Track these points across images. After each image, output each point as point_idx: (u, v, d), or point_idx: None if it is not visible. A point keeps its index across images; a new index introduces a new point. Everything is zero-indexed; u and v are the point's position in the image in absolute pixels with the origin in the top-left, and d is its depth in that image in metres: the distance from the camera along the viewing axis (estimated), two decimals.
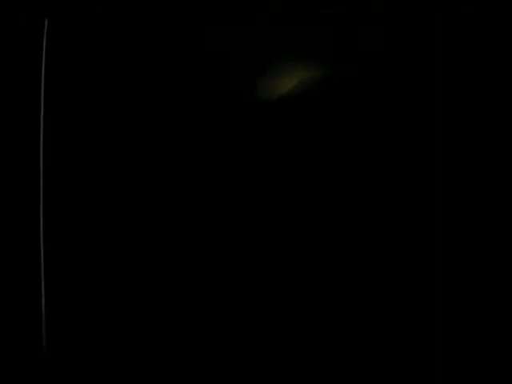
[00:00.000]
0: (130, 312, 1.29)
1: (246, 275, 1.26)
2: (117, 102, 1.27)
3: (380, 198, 1.24)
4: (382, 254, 1.24)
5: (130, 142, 1.27)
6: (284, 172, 1.26)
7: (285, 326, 1.26)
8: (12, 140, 1.26)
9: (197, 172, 1.26)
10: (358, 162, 1.24)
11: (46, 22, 1.25)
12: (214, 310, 1.28)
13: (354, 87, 1.25)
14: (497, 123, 1.23)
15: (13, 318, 1.28)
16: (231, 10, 1.26)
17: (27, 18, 1.25)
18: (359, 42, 1.26)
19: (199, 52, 1.26)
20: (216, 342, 1.27)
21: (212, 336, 1.28)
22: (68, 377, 1.30)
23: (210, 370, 1.27)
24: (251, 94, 1.26)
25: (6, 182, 1.26)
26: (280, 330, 1.27)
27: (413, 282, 1.24)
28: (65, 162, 1.27)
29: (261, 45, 1.26)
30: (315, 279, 1.25)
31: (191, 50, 1.26)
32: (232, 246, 1.26)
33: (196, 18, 1.26)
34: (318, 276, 1.25)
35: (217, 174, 1.26)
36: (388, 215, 1.24)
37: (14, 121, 1.26)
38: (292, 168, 1.25)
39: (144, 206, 1.27)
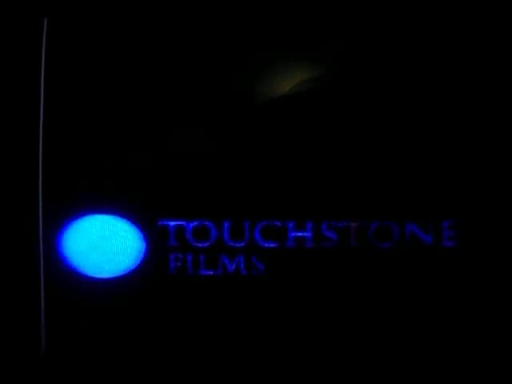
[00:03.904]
0: (128, 311, 1.29)
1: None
2: (116, 102, 1.27)
3: (381, 199, 1.25)
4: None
5: (130, 142, 1.27)
6: (284, 172, 1.26)
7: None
8: (12, 140, 1.26)
9: (197, 172, 1.26)
10: (359, 161, 1.25)
11: (46, 22, 1.25)
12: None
13: (354, 87, 1.25)
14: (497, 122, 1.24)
15: (11, 316, 1.28)
16: (231, 10, 1.26)
17: (26, 17, 1.25)
18: (359, 42, 1.26)
19: (199, 52, 1.27)
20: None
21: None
22: (67, 376, 1.30)
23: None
24: (251, 94, 1.26)
25: (6, 184, 1.26)
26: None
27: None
28: (64, 161, 1.27)
29: (261, 45, 1.27)
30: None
31: (191, 50, 1.27)
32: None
33: (196, 18, 1.27)
34: None
35: (217, 174, 1.26)
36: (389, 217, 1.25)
37: (13, 121, 1.26)
38: (292, 168, 1.26)
39: (144, 209, 1.27)
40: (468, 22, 1.24)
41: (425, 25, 1.24)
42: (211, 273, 1.27)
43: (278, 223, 1.25)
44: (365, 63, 1.26)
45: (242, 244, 1.26)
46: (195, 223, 1.26)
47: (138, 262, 1.27)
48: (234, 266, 1.26)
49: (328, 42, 1.27)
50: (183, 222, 1.26)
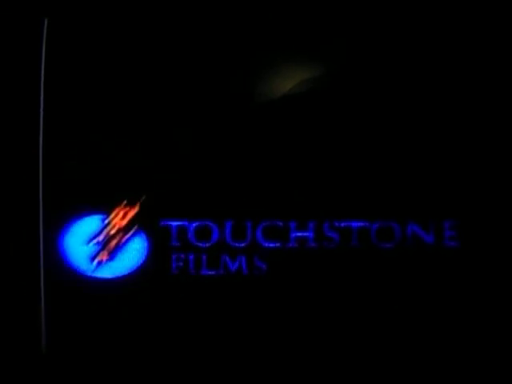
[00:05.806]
0: (130, 311, 1.30)
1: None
2: (117, 102, 1.27)
3: (382, 200, 1.25)
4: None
5: (131, 142, 1.27)
6: (286, 172, 1.26)
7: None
8: (12, 140, 1.26)
9: (199, 172, 1.27)
10: (360, 162, 1.25)
11: (46, 22, 1.25)
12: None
13: (355, 88, 1.26)
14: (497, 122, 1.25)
15: (12, 317, 1.28)
16: (232, 11, 1.26)
17: (27, 17, 1.24)
18: (358, 43, 1.27)
19: (199, 52, 1.27)
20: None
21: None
22: (67, 375, 1.30)
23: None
24: (253, 95, 1.27)
25: (6, 184, 1.26)
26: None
27: None
28: (64, 162, 1.27)
29: (261, 45, 1.27)
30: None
31: (191, 50, 1.27)
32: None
33: (196, 19, 1.26)
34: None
35: (219, 174, 1.27)
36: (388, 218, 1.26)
37: (13, 121, 1.25)
38: (294, 168, 1.26)
39: (146, 209, 1.27)
40: (467, 23, 1.25)
41: (424, 26, 1.25)
42: (213, 273, 1.27)
43: (280, 223, 1.26)
44: (365, 64, 1.26)
45: (244, 244, 1.26)
46: (197, 223, 1.27)
47: (140, 261, 1.27)
48: (235, 265, 1.26)
49: (328, 42, 1.27)
50: (185, 222, 1.26)
